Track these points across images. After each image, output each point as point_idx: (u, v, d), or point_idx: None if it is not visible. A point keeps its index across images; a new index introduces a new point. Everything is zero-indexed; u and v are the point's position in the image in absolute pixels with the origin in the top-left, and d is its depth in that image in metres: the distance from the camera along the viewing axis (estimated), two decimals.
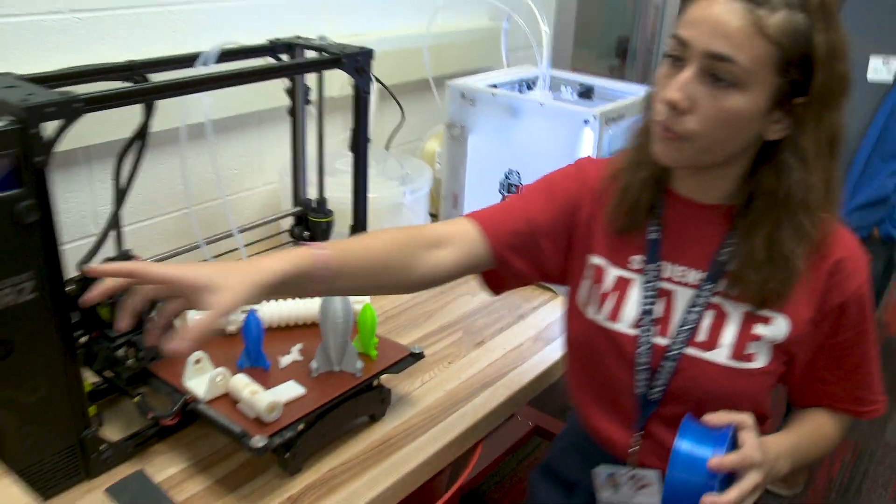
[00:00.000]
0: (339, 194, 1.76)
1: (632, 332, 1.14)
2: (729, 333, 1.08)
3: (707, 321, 1.10)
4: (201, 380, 1.26)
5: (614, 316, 1.15)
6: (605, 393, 1.20)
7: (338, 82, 1.96)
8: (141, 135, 1.34)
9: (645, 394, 1.13)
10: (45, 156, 1.02)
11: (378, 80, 1.87)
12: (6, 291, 1.03)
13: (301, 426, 1.22)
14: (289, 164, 1.80)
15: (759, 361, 1.08)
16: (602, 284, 1.17)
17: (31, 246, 1.05)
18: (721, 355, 1.08)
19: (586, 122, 1.76)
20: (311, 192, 1.81)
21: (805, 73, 0.95)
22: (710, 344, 1.09)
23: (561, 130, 1.81)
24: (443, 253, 1.13)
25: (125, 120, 1.31)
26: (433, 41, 2.22)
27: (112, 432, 1.29)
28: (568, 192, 1.20)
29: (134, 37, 1.64)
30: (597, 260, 1.19)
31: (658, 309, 1.12)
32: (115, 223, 1.36)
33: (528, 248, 1.19)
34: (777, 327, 1.08)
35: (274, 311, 1.45)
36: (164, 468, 1.27)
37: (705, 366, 1.09)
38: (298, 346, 1.40)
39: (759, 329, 1.08)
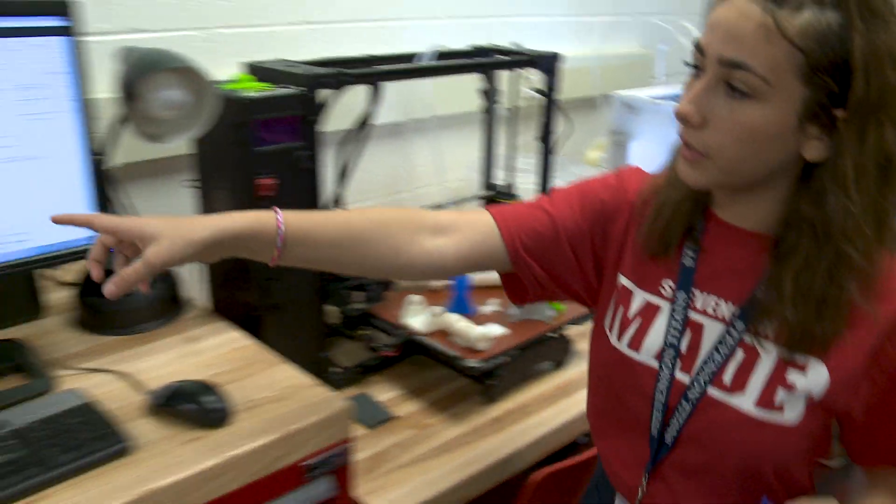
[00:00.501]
0: (521, 189, 2.00)
1: (653, 363, 1.00)
2: (758, 377, 0.92)
3: (735, 361, 0.94)
4: (418, 318, 1.50)
5: (636, 344, 1.02)
6: (620, 427, 1.06)
7: (514, 94, 2.20)
8: (363, 124, 1.61)
9: (660, 433, 0.99)
10: (317, 116, 1.30)
11: (546, 95, 2.09)
12: None
13: (506, 358, 1.43)
14: (476, 160, 2.04)
15: (790, 416, 0.91)
16: (628, 309, 1.04)
17: (305, 189, 1.32)
18: (746, 401, 0.92)
19: None
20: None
21: (843, 82, 0.80)
22: (736, 387, 0.93)
23: None
24: (444, 241, 1.03)
25: (344, 114, 1.57)
26: (595, 62, 2.44)
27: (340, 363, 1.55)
28: (603, 202, 1.06)
29: (356, 42, 1.93)
30: (625, 281, 1.05)
31: (684, 342, 0.98)
32: (336, 201, 1.63)
33: (549, 253, 1.06)
34: (814, 378, 0.90)
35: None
36: (383, 393, 1.50)
37: (727, 411, 0.93)
38: (497, 300, 1.62)
39: (793, 377, 0.91)
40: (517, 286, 1.11)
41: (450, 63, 1.56)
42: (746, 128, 0.83)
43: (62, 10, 1.06)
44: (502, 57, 1.79)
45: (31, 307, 1.34)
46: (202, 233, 0.89)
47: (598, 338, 1.09)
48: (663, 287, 1.01)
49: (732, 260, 0.96)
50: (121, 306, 1.29)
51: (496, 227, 1.05)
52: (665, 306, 1.00)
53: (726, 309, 0.96)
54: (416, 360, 1.61)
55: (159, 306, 1.34)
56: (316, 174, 1.33)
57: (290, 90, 1.28)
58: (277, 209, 0.94)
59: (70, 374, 1.15)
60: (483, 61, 1.79)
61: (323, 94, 1.31)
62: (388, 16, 1.98)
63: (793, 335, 0.89)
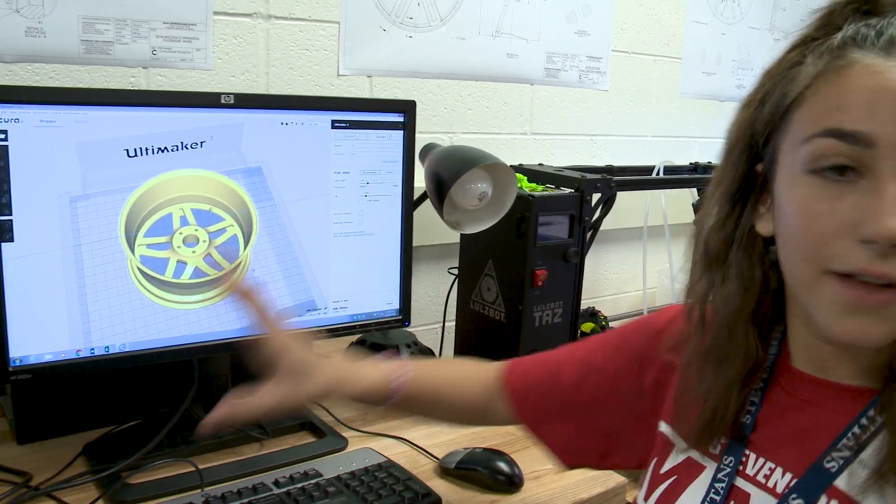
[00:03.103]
0: None
1: None
2: None
3: None
4: None
5: None
6: None
7: None
8: (596, 226, 1.73)
9: None
10: (589, 218, 1.41)
11: None
12: (547, 311, 1.41)
13: None
14: (666, 270, 2.13)
15: None
16: (663, 463, 0.82)
17: (568, 280, 1.42)
18: None
19: None
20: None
21: None
22: None
23: None
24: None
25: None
26: None
27: None
28: (639, 347, 0.90)
29: (569, 153, 2.08)
30: (666, 429, 0.84)
31: None
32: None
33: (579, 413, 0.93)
34: None
35: None
36: None
37: None
38: None
39: None
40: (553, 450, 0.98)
41: (674, 177, 1.67)
42: None
43: (406, 108, 1.22)
44: None
45: None
46: (350, 390, 0.92)
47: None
48: (713, 444, 0.77)
49: (803, 418, 0.72)
50: None
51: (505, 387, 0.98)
52: (710, 467, 0.77)
53: (782, 479, 0.71)
54: None
55: None
56: (581, 267, 1.43)
57: (568, 192, 1.40)
58: (407, 366, 0.96)
59: (356, 436, 1.25)
60: (698, 177, 1.90)
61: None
62: (598, 132, 2.13)
63: None
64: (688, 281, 0.79)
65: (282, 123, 1.13)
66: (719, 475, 0.75)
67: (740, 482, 0.74)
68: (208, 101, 1.08)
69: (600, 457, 0.95)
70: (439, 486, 1.11)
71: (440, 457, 1.17)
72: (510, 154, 1.95)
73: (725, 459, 0.75)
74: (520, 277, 1.38)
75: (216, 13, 1.38)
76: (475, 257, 1.49)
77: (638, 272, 2.25)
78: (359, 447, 1.21)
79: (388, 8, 1.57)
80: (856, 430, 0.68)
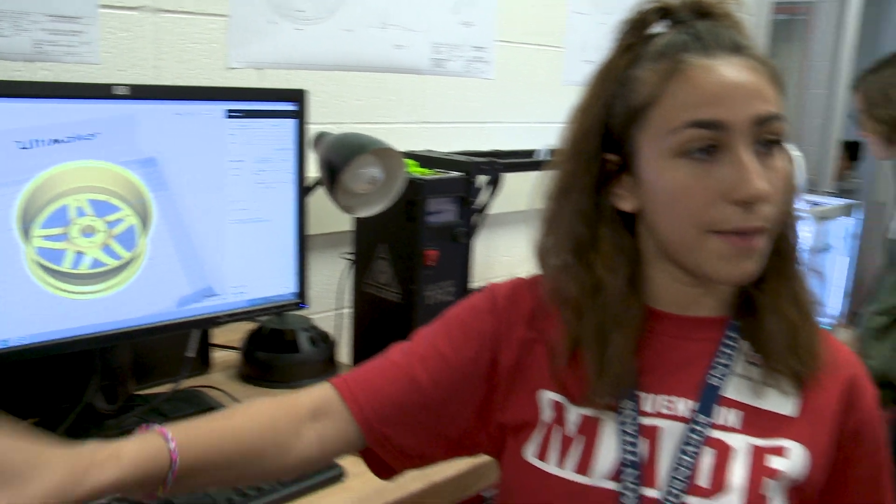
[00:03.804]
0: None
1: (610, 486, 0.83)
2: (738, 473, 0.81)
3: (707, 461, 0.82)
4: None
5: (584, 468, 0.85)
6: None
7: None
8: (484, 209, 1.81)
9: None
10: (474, 199, 1.49)
11: None
12: (438, 291, 1.48)
13: None
14: None
15: None
16: (563, 427, 0.87)
17: (458, 260, 1.50)
18: (733, 501, 0.81)
19: None
20: None
21: None
22: (716, 488, 0.81)
23: None
24: (325, 422, 0.87)
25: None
26: None
27: None
28: (480, 332, 0.91)
29: (460, 140, 2.15)
30: (551, 395, 0.88)
31: (642, 453, 0.84)
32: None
33: (413, 413, 0.89)
34: (795, 460, 0.82)
35: None
36: None
37: None
38: None
39: (775, 462, 0.81)
40: (378, 460, 0.92)
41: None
42: (785, 174, 0.80)
43: (297, 97, 1.27)
44: None
45: (204, 361, 1.49)
46: (85, 487, 0.69)
47: (521, 472, 0.89)
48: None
49: (679, 352, 0.86)
50: (284, 363, 1.45)
51: (341, 399, 0.88)
52: (608, 417, 0.85)
53: (683, 405, 0.85)
54: None
55: (319, 365, 1.49)
56: (470, 247, 1.51)
57: (455, 174, 1.47)
58: (167, 434, 0.75)
59: None
60: None
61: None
62: (484, 119, 2.21)
63: (752, 416, 0.83)
64: (554, 263, 0.89)
65: (176, 114, 1.16)
66: (625, 420, 0.84)
67: (645, 420, 0.85)
68: (101, 92, 1.10)
69: (440, 456, 0.95)
70: (343, 459, 1.17)
71: None
72: (401, 143, 1.99)
73: (624, 404, 0.85)
74: (411, 258, 1.44)
75: (102, 6, 1.38)
76: (368, 242, 1.55)
77: (528, 254, 2.35)
78: None
79: (276, 0, 1.60)
80: (724, 349, 0.86)
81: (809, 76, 3.86)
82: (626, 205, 0.85)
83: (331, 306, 1.76)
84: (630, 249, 0.86)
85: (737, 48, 0.78)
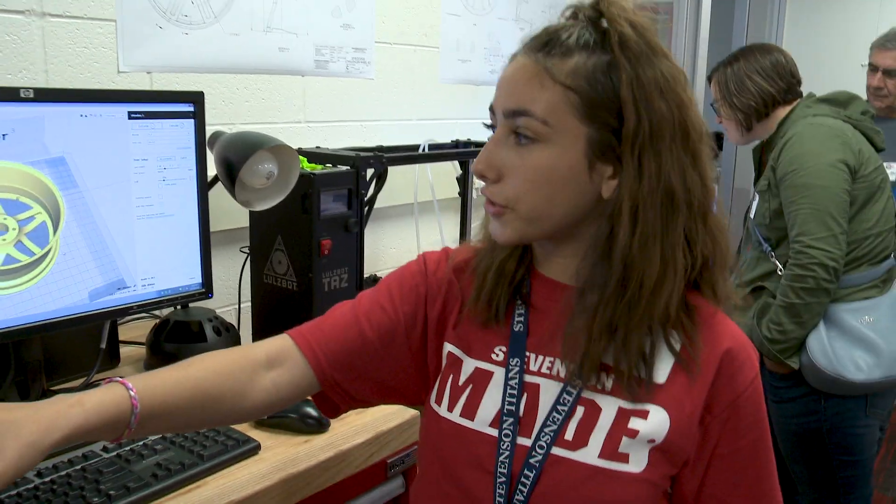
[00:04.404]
0: None
1: (490, 432, 0.94)
2: (600, 430, 0.90)
3: (576, 418, 0.91)
4: None
5: (470, 413, 0.95)
6: None
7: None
8: (371, 202, 1.92)
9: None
10: (364, 191, 1.60)
11: None
12: (334, 278, 1.58)
13: None
14: (454, 242, 2.37)
15: (634, 464, 0.89)
16: (458, 377, 0.98)
17: (351, 249, 1.60)
18: (590, 455, 0.89)
19: None
20: None
21: (620, 118, 0.85)
22: (579, 442, 0.90)
23: None
24: (279, 372, 0.97)
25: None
26: None
27: None
28: (415, 290, 1.03)
29: (344, 138, 2.25)
30: (452, 349, 1.00)
31: (521, 406, 0.94)
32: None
33: (360, 361, 1.00)
34: (655, 422, 0.89)
35: None
36: None
37: (572, 467, 0.90)
38: None
39: (635, 423, 0.89)
40: (329, 402, 1.03)
41: (440, 152, 1.90)
42: (538, 171, 0.86)
43: (195, 98, 1.34)
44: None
45: (114, 356, 1.53)
46: (55, 435, 0.76)
47: (428, 420, 1.02)
48: (495, 353, 0.97)
49: (562, 317, 0.93)
50: (191, 352, 1.50)
51: (297, 349, 0.98)
52: (498, 372, 0.96)
53: (562, 368, 0.93)
54: None
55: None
56: (362, 237, 1.61)
57: (345, 169, 1.57)
58: (128, 383, 0.83)
59: None
60: (466, 151, 2.14)
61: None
62: (367, 118, 2.32)
63: (623, 382, 0.89)
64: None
65: (81, 115, 1.22)
66: (510, 375, 0.95)
67: (529, 378, 0.94)
68: (7, 95, 1.14)
69: (377, 400, 1.07)
70: (257, 435, 1.25)
71: None
72: (289, 141, 2.07)
73: (512, 361, 0.95)
74: (308, 248, 1.54)
75: None
76: (265, 235, 1.63)
77: (413, 245, 2.48)
78: None
79: (162, 6, 1.66)
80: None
81: None
82: None
83: (231, 301, 1.83)
84: None
85: (542, 47, 0.87)
